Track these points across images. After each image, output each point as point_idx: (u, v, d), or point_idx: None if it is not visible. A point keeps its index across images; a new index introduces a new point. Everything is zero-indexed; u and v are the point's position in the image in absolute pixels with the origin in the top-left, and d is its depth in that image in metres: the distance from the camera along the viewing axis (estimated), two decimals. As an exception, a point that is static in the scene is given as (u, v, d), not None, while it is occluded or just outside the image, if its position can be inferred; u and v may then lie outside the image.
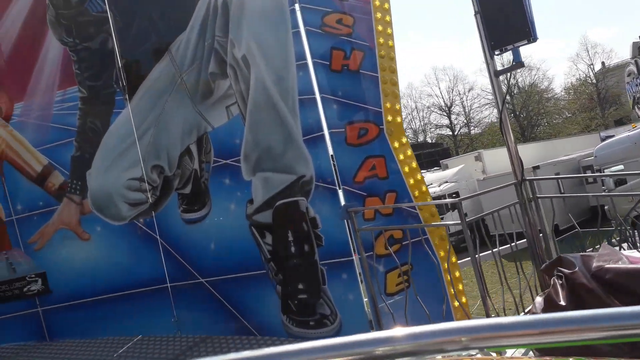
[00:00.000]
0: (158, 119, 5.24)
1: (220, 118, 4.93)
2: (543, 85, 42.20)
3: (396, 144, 4.71)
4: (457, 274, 4.87)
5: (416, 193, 4.74)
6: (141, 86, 5.33)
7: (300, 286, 4.65)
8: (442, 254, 4.72)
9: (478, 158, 23.35)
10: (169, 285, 5.42)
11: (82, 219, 5.63)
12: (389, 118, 4.71)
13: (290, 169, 4.57)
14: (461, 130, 44.06)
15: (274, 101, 4.56)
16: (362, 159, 4.51)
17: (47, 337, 5.80)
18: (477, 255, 3.89)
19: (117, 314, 5.57)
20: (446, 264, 4.63)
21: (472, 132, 43.69)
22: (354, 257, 4.41)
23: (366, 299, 4.46)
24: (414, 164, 4.81)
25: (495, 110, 37.60)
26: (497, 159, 21.33)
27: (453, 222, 3.88)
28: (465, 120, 43.83)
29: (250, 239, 4.87)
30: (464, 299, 4.74)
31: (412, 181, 4.72)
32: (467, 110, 43.40)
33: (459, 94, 43.35)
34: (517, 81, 41.35)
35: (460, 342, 1.01)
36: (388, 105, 4.72)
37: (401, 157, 4.71)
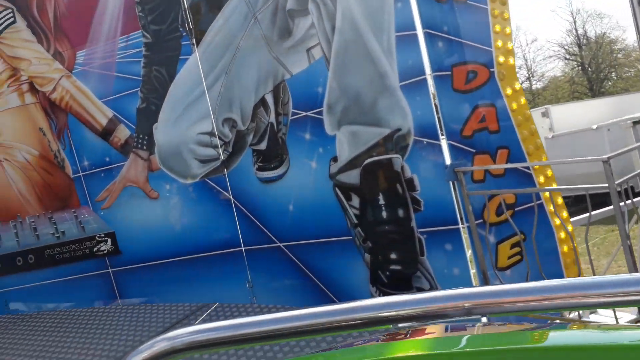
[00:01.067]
0: (229, 66, 4.53)
1: (300, 63, 4.15)
2: (613, 35, 38.73)
3: (508, 91, 3.80)
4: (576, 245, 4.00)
5: (530, 148, 3.85)
6: (209, 29, 4.61)
7: (394, 256, 3.93)
8: (557, 222, 3.86)
9: (545, 114, 21.59)
10: (243, 248, 4.84)
11: (150, 176, 5.08)
12: (501, 59, 3.79)
13: (382, 121, 3.77)
14: (522, 85, 41.34)
15: (365, 40, 3.73)
16: (471, 108, 3.65)
17: (118, 300, 5.41)
18: (626, 226, 3.01)
19: (190, 278, 5.07)
20: (562, 233, 3.78)
21: (534, 86, 40.97)
22: (460, 226, 3.62)
23: (473, 272, 3.70)
24: (528, 113, 3.90)
25: (561, 63, 34.98)
26: (566, 115, 19.58)
27: (597, 185, 3.00)
28: (527, 75, 41.12)
29: (334, 201, 4.16)
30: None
31: (525, 133, 3.83)
32: (529, 64, 40.63)
33: (520, 45, 40.50)
34: (585, 31, 38.15)
35: (463, 308, 1.02)
36: (499, 43, 3.78)
37: (514, 106, 3.81)
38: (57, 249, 5.52)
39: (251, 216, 4.74)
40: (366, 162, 3.91)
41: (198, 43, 4.71)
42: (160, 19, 4.85)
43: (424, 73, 3.58)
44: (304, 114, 4.20)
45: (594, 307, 1.02)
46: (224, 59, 4.57)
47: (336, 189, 4.12)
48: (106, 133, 5.20)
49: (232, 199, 4.80)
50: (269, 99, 4.41)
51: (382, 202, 3.89)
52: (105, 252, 5.35)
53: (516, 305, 1.01)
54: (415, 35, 3.56)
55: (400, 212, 3.81)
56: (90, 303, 5.50)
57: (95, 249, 5.38)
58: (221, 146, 4.73)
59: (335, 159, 4.08)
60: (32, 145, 5.55)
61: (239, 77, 4.51)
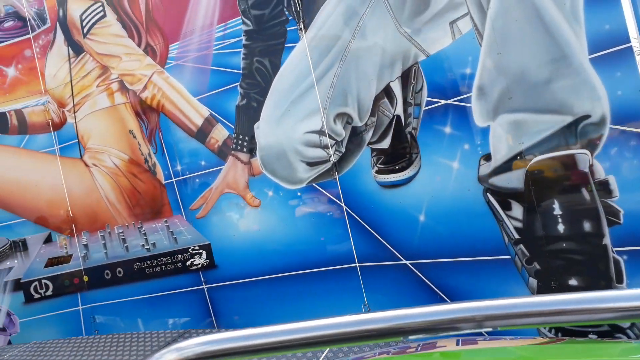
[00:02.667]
0: (344, 52, 3.69)
1: (440, 40, 3.24)
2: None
3: None
4: None
5: None
6: (321, 10, 3.80)
7: (574, 282, 2.92)
8: None
9: None
10: (357, 265, 3.96)
11: (250, 181, 4.32)
12: None
13: (562, 107, 2.79)
14: None
15: (537, 3, 2.77)
16: (689, 87, 2.61)
17: (214, 321, 4.66)
18: None
19: (294, 297, 4.25)
20: None
21: None
22: (682, 244, 2.58)
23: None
24: None
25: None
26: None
27: None
28: None
29: (484, 211, 3.21)
30: None
31: None
32: None
33: None
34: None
35: (474, 321, 1.00)
36: None
37: None
38: (147, 262, 4.86)
39: (368, 227, 3.85)
40: (535, 160, 2.93)
41: (306, 28, 3.90)
42: (263, 2, 4.09)
43: (627, 40, 2.58)
44: (443, 102, 3.28)
45: (607, 320, 0.99)
46: (338, 44, 3.74)
47: (488, 195, 3.17)
48: (202, 134, 4.49)
49: (344, 207, 3.95)
50: (396, 88, 3.52)
51: (558, 212, 2.90)
52: (199, 266, 4.63)
53: (528, 319, 0.99)
54: (617, -10, 2.57)
55: (588, 226, 2.80)
56: (182, 324, 4.80)
57: (188, 263, 4.67)
58: (332, 146, 3.89)
59: (487, 157, 3.13)
60: (122, 149, 4.93)
61: (357, 64, 3.66)
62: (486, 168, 3.12)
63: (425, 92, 3.35)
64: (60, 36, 5.15)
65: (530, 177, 2.95)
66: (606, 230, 2.75)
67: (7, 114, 5.48)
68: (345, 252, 3.99)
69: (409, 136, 3.50)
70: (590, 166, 2.74)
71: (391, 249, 3.73)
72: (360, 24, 3.55)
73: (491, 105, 3.03)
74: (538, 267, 3.02)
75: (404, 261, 3.67)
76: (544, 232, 2.97)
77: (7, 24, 5.42)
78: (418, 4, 3.27)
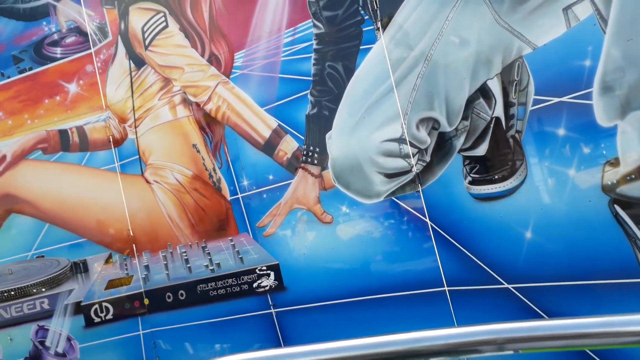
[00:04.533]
0: (430, 50, 3.30)
1: (550, 29, 2.81)
2: None
3: None
4: None
5: None
6: (402, 5, 3.44)
7: None
8: None
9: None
10: (446, 289, 3.51)
11: (322, 195, 3.96)
12: None
13: None
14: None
15: (683, -24, 2.31)
16: None
17: (282, 346, 4.29)
18: None
19: (372, 323, 3.83)
20: None
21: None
22: None
23: None
24: None
25: None
26: None
27: None
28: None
29: (610, 225, 2.72)
30: None
31: None
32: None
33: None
34: None
35: (495, 343, 0.99)
36: None
37: None
38: (211, 284, 4.55)
39: (459, 246, 3.41)
40: (680, 164, 2.44)
41: (385, 27, 3.55)
42: (336, 2, 3.77)
43: None
44: (556, 100, 2.83)
45: (629, 345, 0.94)
46: (422, 42, 3.36)
47: (616, 207, 2.68)
48: (269, 146, 4.18)
49: (429, 222, 3.52)
50: (494, 86, 3.10)
51: None
52: (267, 288, 4.28)
53: (550, 342, 0.97)
54: None
55: None
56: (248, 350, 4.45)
57: (255, 285, 4.33)
58: (414, 155, 3.48)
59: (614, 162, 2.65)
60: (185, 164, 4.69)
61: (446, 62, 3.26)
62: (613, 175, 2.64)
63: (532, 89, 2.91)
64: (121, 50, 5.01)
65: (673, 184, 2.46)
66: None
67: (69, 131, 5.36)
68: (431, 274, 3.55)
69: (511, 141, 3.06)
70: None
71: (489, 270, 3.27)
72: (450, 17, 3.17)
73: (619, 101, 2.57)
74: (686, 293, 2.50)
75: (506, 285, 3.19)
76: (694, 251, 2.45)
77: (69, 40, 5.34)
78: (522, -10, 2.85)
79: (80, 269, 5.26)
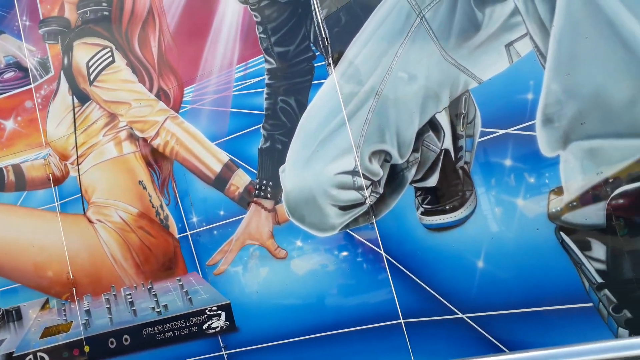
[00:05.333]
0: (380, 85, 3.38)
1: (493, 65, 2.94)
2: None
3: None
4: None
5: None
6: (353, 42, 3.52)
7: (679, 332, 2.49)
8: None
9: None
10: (402, 321, 3.48)
11: (275, 230, 3.89)
12: None
13: (649, 129, 2.46)
14: None
15: (612, 16, 2.50)
16: None
17: (234, 390, 4.09)
18: None
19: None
20: None
21: None
22: None
23: None
24: None
25: None
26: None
27: None
28: None
29: (557, 252, 2.80)
30: None
31: None
32: None
33: None
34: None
35: None
36: None
37: None
38: (158, 327, 4.31)
39: (414, 277, 3.41)
40: (618, 191, 2.56)
41: (336, 62, 3.62)
42: (288, 38, 3.82)
43: None
44: (501, 132, 2.94)
45: None
46: (373, 77, 3.44)
47: (562, 234, 2.77)
48: (220, 181, 4.09)
49: (384, 254, 3.52)
50: (442, 119, 3.19)
51: (652, 249, 2.50)
52: (218, 329, 4.10)
53: None
54: None
55: (692, 264, 2.40)
56: (198, 395, 4.21)
57: (205, 326, 4.13)
58: (367, 187, 3.51)
59: (558, 191, 2.76)
60: (130, 201, 4.50)
61: (396, 96, 3.35)
62: (558, 203, 2.75)
63: (478, 122, 3.02)
64: (64, 85, 4.84)
65: (612, 210, 2.57)
66: None
67: (4, 170, 5.06)
68: (386, 306, 3.52)
69: (460, 172, 3.13)
70: (690, 194, 2.37)
71: (443, 300, 3.27)
72: (399, 53, 3.27)
73: (560, 133, 2.70)
74: (629, 315, 2.59)
75: (460, 314, 3.20)
76: (634, 273, 2.56)
77: (7, 75, 5.11)
78: (467, 28, 3.00)
79: (12, 317, 4.87)
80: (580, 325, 2.76)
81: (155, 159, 4.39)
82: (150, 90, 4.38)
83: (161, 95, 4.33)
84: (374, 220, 3.53)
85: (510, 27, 2.84)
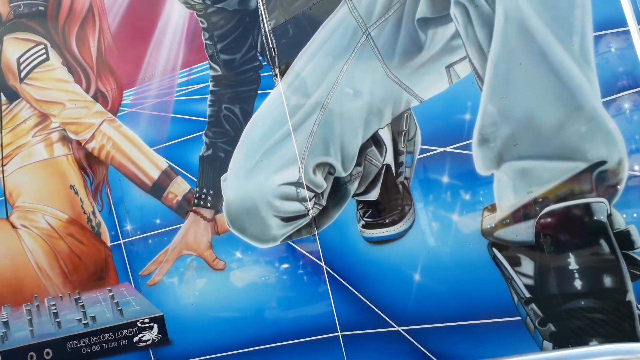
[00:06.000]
0: (326, 99, 3.43)
1: (434, 85, 3.05)
2: None
3: None
4: None
5: None
6: (300, 55, 3.55)
7: (597, 344, 2.64)
8: None
9: None
10: (340, 334, 3.50)
11: (214, 240, 3.81)
12: None
13: (575, 152, 2.63)
14: None
15: (544, 46, 2.67)
16: (700, 132, 2.55)
17: (165, 406, 3.94)
18: None
19: (265, 375, 3.67)
20: None
21: None
22: None
23: None
24: None
25: None
26: None
27: None
28: None
29: (488, 267, 2.92)
30: None
31: None
32: None
33: None
34: None
35: None
36: None
37: None
38: (85, 340, 4.10)
39: (353, 290, 3.45)
40: (547, 210, 2.72)
41: (282, 74, 3.63)
42: (234, 46, 3.79)
43: (642, 82, 2.49)
44: (440, 150, 3.05)
45: None
46: (319, 90, 3.47)
47: (494, 250, 2.90)
48: (158, 188, 3.97)
49: (324, 267, 3.54)
50: (385, 135, 3.27)
51: (574, 266, 2.66)
52: (149, 342, 3.95)
53: None
54: (627, 33, 2.51)
55: (608, 281, 2.57)
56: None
57: (136, 339, 3.97)
58: (311, 199, 3.52)
59: (492, 208, 2.89)
60: (60, 207, 4.27)
61: (341, 111, 3.40)
62: (491, 220, 2.87)
63: (419, 139, 3.11)
64: (-10, 80, 4.55)
65: (541, 228, 2.72)
66: (630, 285, 2.53)
67: None
68: (325, 320, 3.53)
69: (400, 186, 3.21)
70: (609, 215, 2.55)
71: (380, 313, 3.33)
72: (344, 69, 3.33)
73: (495, 153, 2.83)
74: (553, 328, 2.74)
75: (396, 328, 3.26)
76: (559, 289, 2.71)
77: None
78: (410, 48, 3.10)
79: None
80: (509, 339, 2.88)
81: (89, 163, 4.20)
82: (87, 91, 4.20)
83: (99, 97, 4.16)
84: (316, 232, 3.54)
85: (451, 49, 2.96)
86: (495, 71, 2.80)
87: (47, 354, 4.18)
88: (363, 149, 3.34)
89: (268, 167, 3.62)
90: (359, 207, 3.39)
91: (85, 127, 4.19)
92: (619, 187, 2.52)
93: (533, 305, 2.78)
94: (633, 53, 2.48)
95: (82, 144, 4.21)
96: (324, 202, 3.50)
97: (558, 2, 2.64)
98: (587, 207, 2.60)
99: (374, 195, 3.33)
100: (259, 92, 3.72)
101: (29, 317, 4.28)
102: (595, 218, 2.58)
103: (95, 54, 4.19)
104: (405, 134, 3.17)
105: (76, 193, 4.22)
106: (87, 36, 4.22)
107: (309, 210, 3.52)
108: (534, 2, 2.69)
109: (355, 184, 3.38)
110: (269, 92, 3.67)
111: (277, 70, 3.65)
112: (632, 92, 2.48)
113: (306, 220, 3.54)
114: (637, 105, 2.47)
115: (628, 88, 2.49)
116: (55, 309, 4.25)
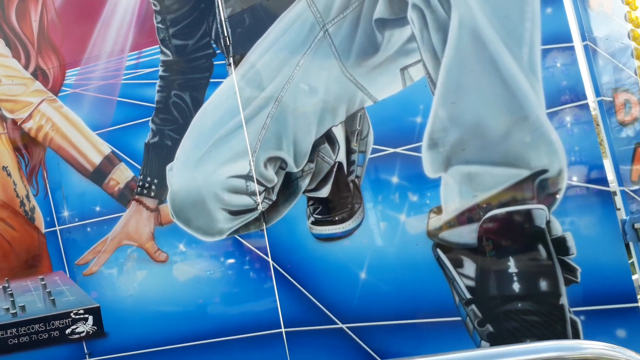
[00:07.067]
0: (281, 92, 3.41)
1: (389, 86, 3.10)
2: None
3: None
4: None
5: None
6: (255, 45, 3.51)
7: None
8: None
9: None
10: (283, 330, 3.51)
11: (157, 231, 3.72)
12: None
13: (519, 160, 2.74)
14: None
15: (494, 54, 2.76)
16: (633, 147, 2.72)
17: (97, 401, 3.81)
18: None
19: (204, 370, 3.63)
20: None
21: None
22: None
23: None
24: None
25: None
26: None
27: None
28: None
29: (433, 267, 3.01)
30: None
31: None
32: None
33: None
34: None
35: None
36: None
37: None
38: (12, 331, 3.90)
39: (299, 286, 3.46)
40: (489, 214, 2.83)
41: (237, 63, 3.57)
42: (187, 32, 3.70)
43: (584, 97, 2.63)
44: (391, 150, 3.10)
45: None
46: (274, 83, 3.45)
47: (438, 251, 2.98)
48: (99, 174, 3.82)
49: (271, 262, 3.53)
50: (338, 133, 3.29)
51: (513, 269, 2.78)
52: (83, 334, 3.81)
53: None
54: (572, 49, 2.64)
55: (544, 285, 2.71)
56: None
57: (68, 331, 3.82)
58: (261, 193, 3.50)
59: (438, 210, 2.97)
60: (-10, 189, 4.04)
61: (295, 105, 3.39)
62: (436, 221, 2.96)
63: (371, 139, 3.16)
64: None
65: (483, 232, 2.83)
66: (563, 289, 2.68)
67: None
68: (270, 315, 3.52)
69: (351, 185, 3.25)
70: (547, 222, 2.68)
71: (325, 310, 3.36)
72: (300, 63, 3.32)
73: (443, 156, 2.91)
74: (491, 329, 2.86)
75: (340, 325, 3.31)
76: (498, 291, 2.83)
77: None
78: (366, 48, 3.13)
79: None
80: (449, 338, 2.98)
81: (25, 144, 3.99)
82: (26, 67, 3.98)
83: (39, 74, 3.95)
84: (264, 227, 3.52)
85: (406, 52, 3.01)
86: (447, 76, 2.88)
87: (-31, 345, 3.95)
88: (316, 145, 3.35)
89: (217, 158, 3.56)
90: (309, 203, 3.40)
91: (23, 106, 3.97)
92: (557, 195, 2.65)
93: (473, 306, 2.89)
94: (576, 69, 2.61)
95: (18, 123, 3.99)
96: (274, 197, 3.48)
97: (510, 13, 2.73)
98: (528, 213, 2.73)
99: (324, 192, 3.35)
100: (211, 80, 3.65)
101: (-50, 306, 4.03)
102: (535, 224, 2.71)
103: (37, 29, 3.98)
104: (358, 133, 3.21)
105: (9, 175, 3.99)
106: (28, 9, 3.99)
107: (258, 205, 3.50)
108: (487, 12, 2.77)
109: (307, 180, 3.39)
110: (221, 82, 3.61)
111: (231, 60, 3.59)
112: (573, 105, 2.61)
113: (255, 214, 3.51)
114: (578, 118, 2.60)
115: (570, 102, 2.61)
116: (-20, 297, 4.01)
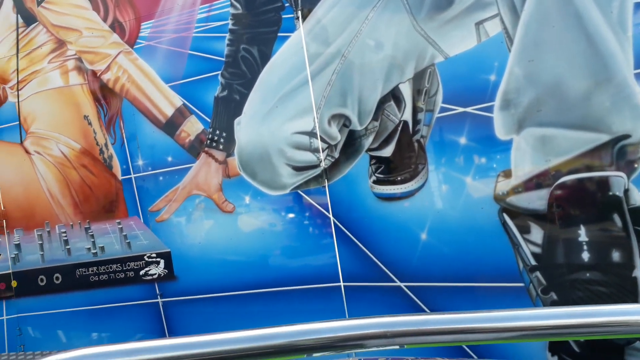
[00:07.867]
0: (348, 47, 3.36)
1: (462, 41, 2.97)
2: None
3: None
4: None
5: None
6: (323, 0, 3.46)
7: (596, 317, 2.69)
8: None
9: None
10: (342, 284, 3.59)
11: (224, 183, 3.86)
12: None
13: (599, 124, 2.58)
14: None
15: (580, 8, 2.57)
16: None
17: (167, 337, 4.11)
18: None
19: (266, 317, 3.81)
20: None
21: None
22: None
23: None
24: None
25: None
26: None
27: None
28: None
29: (498, 232, 2.94)
30: None
31: None
32: None
33: None
34: None
35: (385, 337, 0.95)
36: None
37: None
38: (93, 269, 4.25)
39: (358, 243, 3.50)
40: (563, 180, 2.70)
41: (305, 18, 3.54)
42: (257, -16, 3.69)
43: (679, 56, 2.41)
44: (461, 109, 3.01)
45: (517, 339, 0.98)
46: (341, 38, 3.40)
47: (505, 215, 2.91)
48: (171, 126, 3.99)
49: (332, 218, 3.58)
50: (405, 90, 3.23)
51: (584, 238, 2.67)
52: (155, 276, 4.08)
53: (438, 337, 0.98)
54: (671, 1, 2.40)
55: (617, 255, 2.59)
56: (131, 336, 4.21)
57: (142, 272, 4.11)
58: (324, 150, 3.52)
59: (507, 174, 2.88)
60: (73, 136, 4.33)
61: (362, 61, 3.34)
62: (505, 185, 2.87)
63: (440, 97, 3.07)
64: (8, 2, 4.50)
65: (555, 198, 2.72)
66: (638, 261, 2.54)
67: None
68: (329, 270, 3.61)
69: (416, 145, 3.20)
70: (626, 191, 2.53)
71: (384, 268, 3.39)
72: (369, 17, 3.24)
73: (517, 117, 2.79)
74: (555, 297, 2.78)
75: (399, 283, 3.34)
76: (566, 259, 2.73)
77: (-58, -19, 4.69)
78: (440, 1, 2.99)
79: None
80: (510, 304, 2.94)
81: (104, 94, 4.21)
82: (105, 20, 4.16)
83: (116, 27, 4.12)
84: (326, 184, 3.56)
85: (482, 5, 2.86)
86: (526, 32, 2.72)
87: (57, 278, 4.36)
88: (381, 103, 3.30)
89: (283, 114, 3.60)
90: (372, 162, 3.39)
91: (102, 57, 4.17)
92: (639, 163, 2.49)
93: (538, 273, 2.82)
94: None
95: (98, 75, 4.21)
96: (336, 155, 3.50)
97: (602, -38, 2.52)
98: (604, 180, 2.58)
99: (388, 151, 3.33)
100: (279, 34, 3.65)
101: (40, 242, 4.44)
102: (611, 192, 2.57)
103: (114, -19, 4.12)
104: (426, 90, 3.13)
105: (89, 124, 4.26)
106: (106, -38, 4.12)
107: (320, 162, 3.53)
108: (576, -39, 2.56)
109: (370, 139, 3.37)
110: (289, 36, 3.60)
111: (299, 13, 3.56)
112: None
113: (317, 171, 3.55)
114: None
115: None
116: (65, 236, 4.38)
